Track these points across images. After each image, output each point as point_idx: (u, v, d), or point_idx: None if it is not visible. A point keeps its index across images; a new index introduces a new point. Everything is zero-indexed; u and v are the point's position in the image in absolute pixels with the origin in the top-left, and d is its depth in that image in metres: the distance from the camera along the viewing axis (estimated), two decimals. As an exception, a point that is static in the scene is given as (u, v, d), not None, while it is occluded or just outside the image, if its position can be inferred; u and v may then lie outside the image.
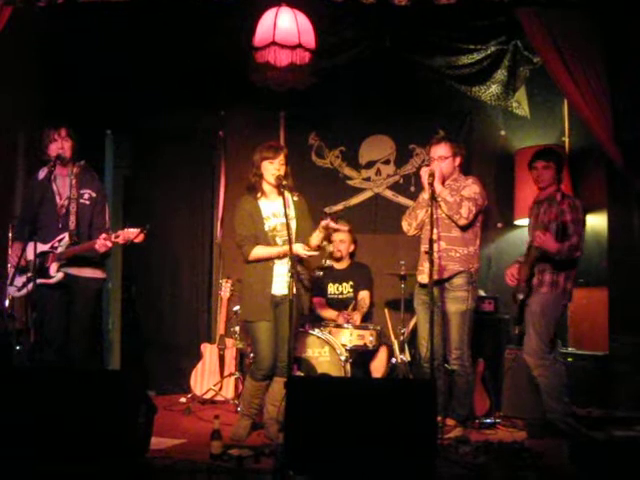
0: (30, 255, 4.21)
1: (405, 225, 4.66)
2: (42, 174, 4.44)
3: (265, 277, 4.25)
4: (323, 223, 4.11)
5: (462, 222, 4.38)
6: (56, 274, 4.30)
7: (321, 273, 5.13)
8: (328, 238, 4.43)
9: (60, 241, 4.31)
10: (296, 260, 4.06)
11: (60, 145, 4.37)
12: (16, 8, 4.36)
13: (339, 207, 6.06)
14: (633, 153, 4.36)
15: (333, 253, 5.56)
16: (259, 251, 4.24)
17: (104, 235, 4.19)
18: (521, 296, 4.40)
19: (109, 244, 4.18)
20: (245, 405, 4.39)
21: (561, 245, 4.23)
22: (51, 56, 5.16)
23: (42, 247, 4.26)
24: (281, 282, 4.22)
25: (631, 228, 4.63)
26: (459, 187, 4.48)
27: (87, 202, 4.43)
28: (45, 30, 4.93)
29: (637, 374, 4.47)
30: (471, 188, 4.45)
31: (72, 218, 4.34)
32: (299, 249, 4.12)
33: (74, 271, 4.34)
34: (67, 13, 4.66)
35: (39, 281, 4.18)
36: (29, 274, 4.23)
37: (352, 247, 5.71)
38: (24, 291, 4.33)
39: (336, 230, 4.32)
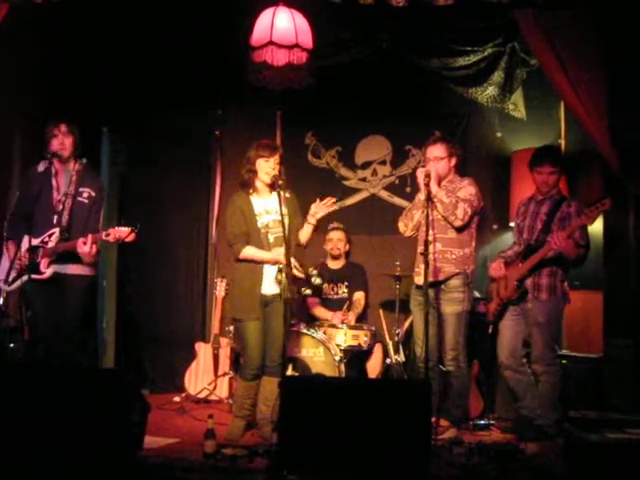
0: (24, 250, 4.19)
1: (402, 226, 4.66)
2: (42, 167, 4.42)
3: (255, 275, 4.24)
4: (313, 210, 4.18)
5: (457, 223, 4.38)
6: (47, 270, 4.29)
7: (309, 291, 5.17)
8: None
9: (50, 236, 4.30)
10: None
11: (61, 141, 4.37)
12: (13, 5, 4.34)
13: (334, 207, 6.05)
14: (629, 156, 4.35)
15: (332, 250, 5.60)
16: (250, 252, 4.23)
17: (82, 239, 4.20)
18: (514, 296, 4.39)
19: (87, 249, 4.18)
20: (237, 406, 4.38)
21: (579, 250, 4.23)
22: (48, 53, 5.14)
23: (33, 241, 4.25)
24: (272, 281, 4.21)
25: (627, 231, 4.63)
26: (455, 188, 4.48)
27: (86, 201, 4.41)
28: (42, 27, 4.91)
29: (631, 377, 4.47)
30: (467, 189, 4.46)
31: (65, 214, 4.33)
32: (281, 256, 4.03)
33: (63, 268, 4.33)
34: (64, 10, 4.65)
35: (32, 276, 4.16)
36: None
37: (347, 246, 5.72)
38: (15, 285, 4.30)
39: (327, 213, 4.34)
